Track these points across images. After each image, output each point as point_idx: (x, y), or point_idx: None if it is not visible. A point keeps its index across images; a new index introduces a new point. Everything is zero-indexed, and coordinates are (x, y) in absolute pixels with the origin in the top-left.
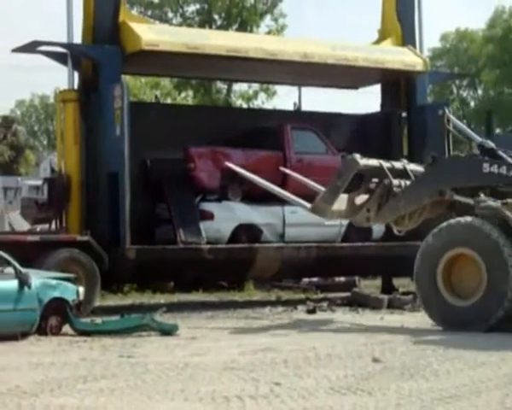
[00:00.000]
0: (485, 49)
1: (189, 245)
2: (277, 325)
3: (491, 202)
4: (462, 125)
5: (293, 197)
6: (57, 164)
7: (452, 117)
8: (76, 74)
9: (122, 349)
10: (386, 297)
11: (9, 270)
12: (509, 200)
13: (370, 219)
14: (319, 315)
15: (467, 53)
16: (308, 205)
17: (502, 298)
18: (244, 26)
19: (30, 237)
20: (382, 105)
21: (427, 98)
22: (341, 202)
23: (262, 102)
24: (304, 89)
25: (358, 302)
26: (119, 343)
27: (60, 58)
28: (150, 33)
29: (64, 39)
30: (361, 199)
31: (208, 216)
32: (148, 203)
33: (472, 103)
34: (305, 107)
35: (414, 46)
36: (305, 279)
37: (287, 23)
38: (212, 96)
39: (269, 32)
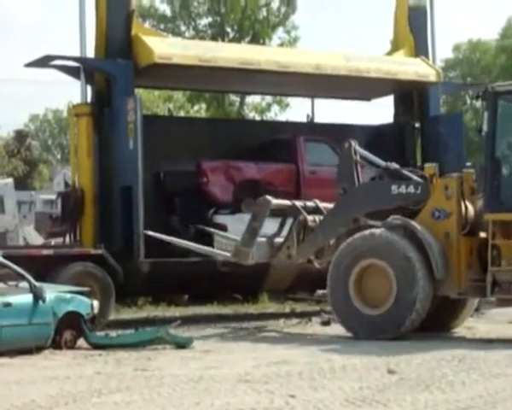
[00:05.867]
0: (498, 60)
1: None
2: (292, 337)
3: (400, 217)
4: (368, 154)
5: (212, 250)
6: (71, 178)
7: (358, 148)
8: (89, 88)
9: (137, 362)
10: None
11: (24, 284)
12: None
13: (292, 257)
14: (334, 327)
15: (480, 63)
16: (228, 254)
17: (410, 308)
18: (256, 39)
19: (44, 251)
20: (395, 116)
21: (441, 109)
22: (261, 246)
23: (275, 114)
24: (317, 100)
25: None
26: (134, 357)
27: (73, 72)
28: (163, 46)
29: (77, 53)
30: (279, 240)
31: (222, 229)
32: (161, 216)
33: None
34: (319, 118)
35: (427, 57)
36: (320, 291)
37: (299, 35)
38: (225, 108)
39: (281, 45)
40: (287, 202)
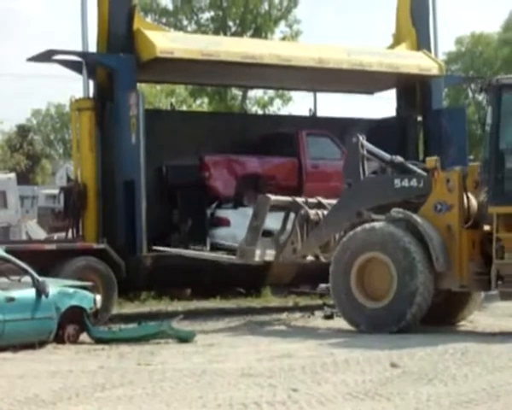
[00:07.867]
0: (500, 53)
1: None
2: (295, 330)
3: (401, 210)
4: (374, 148)
5: (219, 255)
6: (73, 173)
7: (365, 142)
8: (91, 83)
9: (140, 357)
10: None
11: (27, 279)
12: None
13: (297, 251)
14: (336, 321)
15: (482, 56)
16: (233, 257)
17: (411, 301)
18: (258, 33)
19: (47, 246)
20: (398, 109)
21: (443, 102)
22: (266, 244)
23: (277, 108)
24: (319, 94)
25: None
26: (137, 351)
27: (75, 67)
28: (165, 41)
29: (79, 48)
30: (284, 237)
31: (224, 223)
32: (164, 210)
33: None
34: (321, 112)
35: (429, 50)
36: (323, 285)
37: (301, 29)
38: (228, 102)
39: (283, 38)
40: (286, 198)
